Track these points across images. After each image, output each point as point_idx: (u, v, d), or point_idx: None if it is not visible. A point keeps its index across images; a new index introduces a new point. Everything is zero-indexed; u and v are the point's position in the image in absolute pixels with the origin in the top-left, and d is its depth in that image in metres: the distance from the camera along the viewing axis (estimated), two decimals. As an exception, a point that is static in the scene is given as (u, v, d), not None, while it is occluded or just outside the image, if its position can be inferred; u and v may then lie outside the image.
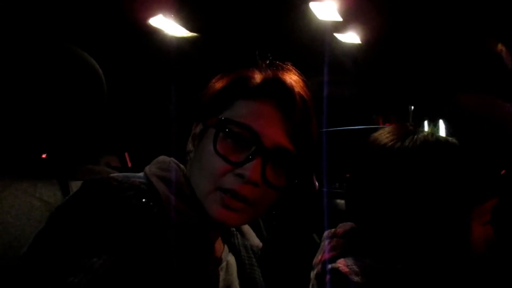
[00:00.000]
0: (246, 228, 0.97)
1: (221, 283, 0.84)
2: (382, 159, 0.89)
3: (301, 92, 0.81)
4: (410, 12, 1.94)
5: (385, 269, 0.84)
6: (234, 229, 0.93)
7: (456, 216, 0.86)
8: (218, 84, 0.83)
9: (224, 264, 0.87)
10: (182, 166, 0.84)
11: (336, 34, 2.19)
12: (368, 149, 0.93)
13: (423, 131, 0.90)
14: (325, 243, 0.96)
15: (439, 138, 0.89)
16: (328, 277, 0.87)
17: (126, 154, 2.71)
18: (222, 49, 2.16)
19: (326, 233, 0.98)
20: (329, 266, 0.88)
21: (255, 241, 0.97)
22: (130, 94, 2.27)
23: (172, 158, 0.84)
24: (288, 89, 0.80)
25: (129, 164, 2.73)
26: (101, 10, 1.84)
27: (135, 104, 2.47)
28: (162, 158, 0.85)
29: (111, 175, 0.77)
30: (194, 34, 2.11)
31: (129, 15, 1.89)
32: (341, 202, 2.09)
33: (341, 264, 0.86)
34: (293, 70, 0.84)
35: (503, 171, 1.35)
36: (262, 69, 0.83)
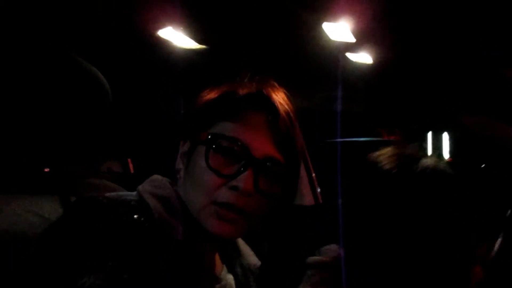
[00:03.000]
0: (244, 247, 0.97)
1: None
2: (385, 186, 0.84)
3: (284, 104, 0.83)
4: (423, 33, 1.95)
5: None
6: (231, 248, 0.93)
7: (459, 257, 0.82)
8: (202, 101, 0.85)
9: (223, 283, 0.86)
10: (170, 182, 0.85)
11: (347, 54, 2.20)
12: (368, 173, 0.88)
13: (425, 157, 0.86)
14: (309, 273, 0.92)
15: (445, 170, 0.84)
16: None
17: (129, 160, 2.71)
18: (230, 62, 2.17)
19: (309, 260, 0.93)
20: None
21: (253, 260, 0.96)
22: (136, 103, 2.27)
23: (165, 178, 0.86)
24: (272, 102, 0.82)
25: (132, 170, 2.72)
26: (110, 21, 1.85)
27: (141, 112, 2.47)
28: (155, 177, 0.86)
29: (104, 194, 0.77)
30: (203, 46, 2.12)
31: (138, 26, 1.90)
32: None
33: None
34: (275, 84, 0.86)
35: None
36: (245, 84, 0.85)
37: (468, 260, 0.83)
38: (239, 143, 0.78)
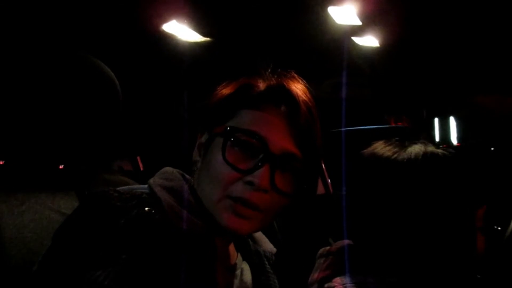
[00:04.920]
0: (258, 233, 0.97)
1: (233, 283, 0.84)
2: (385, 171, 0.88)
3: (305, 99, 0.81)
4: (430, 14, 1.92)
5: (380, 284, 0.83)
6: (245, 236, 0.92)
7: (461, 222, 0.86)
8: (222, 93, 0.84)
9: (238, 271, 0.86)
10: (187, 176, 0.85)
11: (353, 38, 2.17)
12: (366, 162, 0.91)
13: (414, 143, 0.90)
14: (321, 261, 0.94)
15: (433, 150, 0.89)
16: None
17: (138, 158, 2.72)
18: (236, 54, 2.15)
19: (320, 251, 0.97)
20: (325, 285, 0.87)
21: (268, 246, 0.96)
22: (142, 99, 2.27)
23: (177, 169, 0.85)
24: (293, 95, 0.80)
25: (141, 168, 2.73)
26: (115, 17, 1.84)
27: (148, 108, 2.47)
28: (166, 169, 0.86)
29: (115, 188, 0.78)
30: (208, 39, 2.10)
31: (143, 21, 1.89)
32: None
33: (337, 282, 0.85)
34: (296, 77, 0.84)
35: None
36: (265, 77, 0.83)
37: (468, 227, 0.86)
38: (257, 137, 0.76)
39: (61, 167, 1.06)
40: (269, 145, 0.76)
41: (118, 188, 0.77)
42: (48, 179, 0.98)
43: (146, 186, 0.81)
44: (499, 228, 1.26)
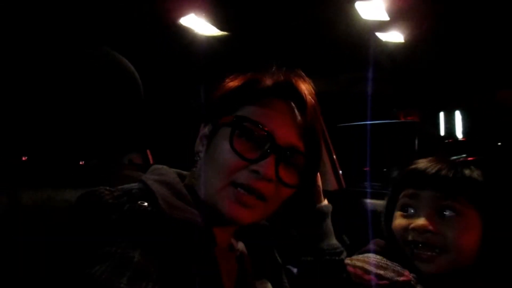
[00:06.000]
0: None
1: (235, 269, 0.87)
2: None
3: (310, 96, 0.85)
4: (457, 10, 1.89)
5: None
6: None
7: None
8: (229, 85, 0.86)
9: (238, 254, 0.89)
10: (178, 171, 0.88)
11: (377, 33, 2.14)
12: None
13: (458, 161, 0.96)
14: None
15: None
16: None
17: (148, 152, 2.71)
18: (255, 49, 2.14)
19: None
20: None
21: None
22: (155, 92, 2.26)
23: (166, 166, 0.88)
24: (300, 93, 0.83)
25: (151, 161, 2.72)
26: (133, 10, 1.83)
27: (159, 101, 2.46)
28: (156, 166, 0.88)
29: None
30: (225, 33, 2.09)
31: (161, 14, 1.88)
32: (370, 202, 2.04)
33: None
34: (303, 75, 0.87)
35: None
36: (273, 73, 0.86)
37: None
38: (265, 129, 0.78)
39: (81, 162, 1.05)
40: (276, 137, 0.79)
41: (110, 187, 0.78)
42: (71, 176, 0.98)
43: (135, 184, 0.82)
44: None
